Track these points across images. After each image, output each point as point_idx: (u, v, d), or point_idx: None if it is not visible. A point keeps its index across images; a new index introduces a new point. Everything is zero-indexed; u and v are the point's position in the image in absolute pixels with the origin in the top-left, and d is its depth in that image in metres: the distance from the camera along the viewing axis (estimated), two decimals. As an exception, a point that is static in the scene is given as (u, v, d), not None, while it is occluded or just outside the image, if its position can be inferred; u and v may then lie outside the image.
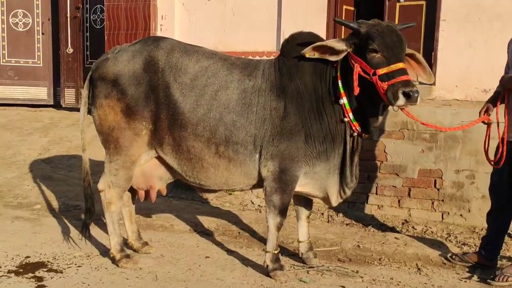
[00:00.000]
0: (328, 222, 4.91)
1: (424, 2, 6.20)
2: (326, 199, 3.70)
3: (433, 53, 6.01)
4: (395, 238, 4.47)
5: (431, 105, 5.30)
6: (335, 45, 3.36)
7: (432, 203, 4.87)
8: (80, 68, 8.15)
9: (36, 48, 8.48)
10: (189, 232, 4.54)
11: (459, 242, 4.42)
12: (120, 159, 3.63)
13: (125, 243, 3.93)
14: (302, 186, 3.60)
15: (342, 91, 3.42)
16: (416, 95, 3.15)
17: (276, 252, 3.62)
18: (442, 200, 4.85)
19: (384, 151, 5.02)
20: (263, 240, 4.06)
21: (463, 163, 4.79)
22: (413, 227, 4.73)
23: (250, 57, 4.91)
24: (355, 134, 3.50)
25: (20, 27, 8.41)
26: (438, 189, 4.87)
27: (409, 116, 3.52)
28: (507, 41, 3.82)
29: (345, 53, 3.37)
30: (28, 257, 3.82)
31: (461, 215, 4.79)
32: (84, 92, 3.73)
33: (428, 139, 4.88)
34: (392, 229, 4.73)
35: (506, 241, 4.18)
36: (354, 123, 3.45)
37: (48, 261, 3.76)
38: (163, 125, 3.54)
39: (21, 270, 3.59)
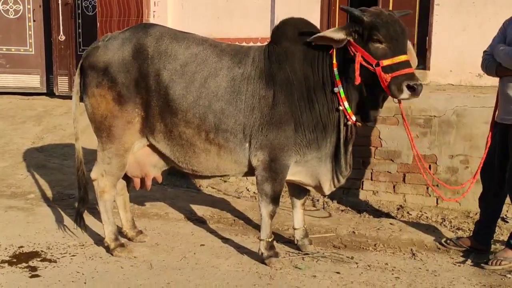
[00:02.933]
0: (323, 208, 4.91)
1: (418, -14, 6.15)
2: (318, 188, 3.67)
3: (427, 38, 5.96)
4: (390, 223, 4.49)
5: (425, 90, 5.14)
6: (334, 36, 3.28)
7: (427, 188, 4.87)
8: (73, 56, 8.06)
9: (27, 35, 8.37)
10: (184, 220, 4.53)
11: (454, 227, 4.44)
12: (113, 147, 3.61)
13: (120, 232, 3.92)
14: (294, 174, 3.58)
15: (338, 79, 3.37)
16: (420, 88, 3.15)
17: (270, 239, 3.61)
18: (437, 185, 4.85)
19: (379, 137, 5.01)
20: (258, 228, 4.05)
21: (457, 148, 4.79)
22: (408, 213, 4.75)
23: (244, 44, 4.85)
24: (349, 123, 3.46)
25: (11, 14, 8.30)
26: (433, 174, 4.86)
27: (401, 109, 3.53)
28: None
29: (345, 42, 3.29)
30: (21, 247, 3.81)
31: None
32: (76, 80, 3.71)
33: (422, 124, 4.86)
34: (387, 215, 4.74)
35: (499, 225, 4.21)
36: (349, 112, 3.40)
37: (42, 251, 3.75)
38: (154, 112, 3.52)
39: (14, 260, 3.58)
